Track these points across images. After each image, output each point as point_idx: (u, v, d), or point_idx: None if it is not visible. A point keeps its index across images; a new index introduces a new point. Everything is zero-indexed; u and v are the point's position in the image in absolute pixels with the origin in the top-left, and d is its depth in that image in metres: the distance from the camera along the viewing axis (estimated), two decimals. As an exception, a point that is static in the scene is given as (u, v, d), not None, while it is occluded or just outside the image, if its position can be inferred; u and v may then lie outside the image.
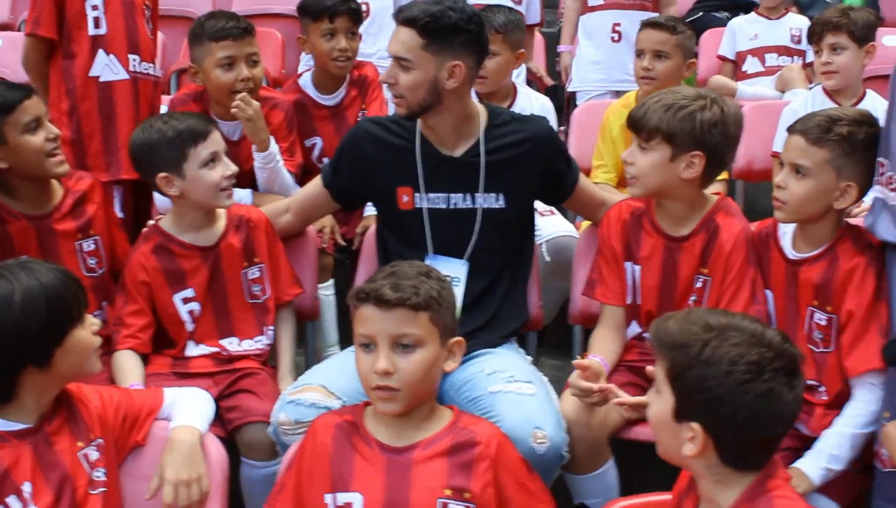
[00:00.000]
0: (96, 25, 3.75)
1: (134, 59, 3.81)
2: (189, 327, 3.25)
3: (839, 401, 2.87)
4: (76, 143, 3.74)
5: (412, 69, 3.01)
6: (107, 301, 3.34)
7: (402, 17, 3.03)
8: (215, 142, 3.21)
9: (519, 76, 5.28)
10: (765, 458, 2.00)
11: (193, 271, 3.25)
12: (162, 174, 3.19)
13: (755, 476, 1.98)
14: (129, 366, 3.13)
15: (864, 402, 2.82)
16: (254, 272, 3.31)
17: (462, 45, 3.02)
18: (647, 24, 4.44)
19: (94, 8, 3.74)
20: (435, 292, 2.39)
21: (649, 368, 2.64)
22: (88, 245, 3.31)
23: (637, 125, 3.06)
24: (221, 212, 3.31)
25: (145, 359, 3.21)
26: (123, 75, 3.79)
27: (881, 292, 2.84)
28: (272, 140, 3.80)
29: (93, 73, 3.77)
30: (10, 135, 3.13)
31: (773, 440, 1.99)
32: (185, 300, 3.25)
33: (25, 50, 3.85)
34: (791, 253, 2.99)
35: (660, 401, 2.03)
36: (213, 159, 3.19)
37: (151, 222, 3.38)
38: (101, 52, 3.76)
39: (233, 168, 3.22)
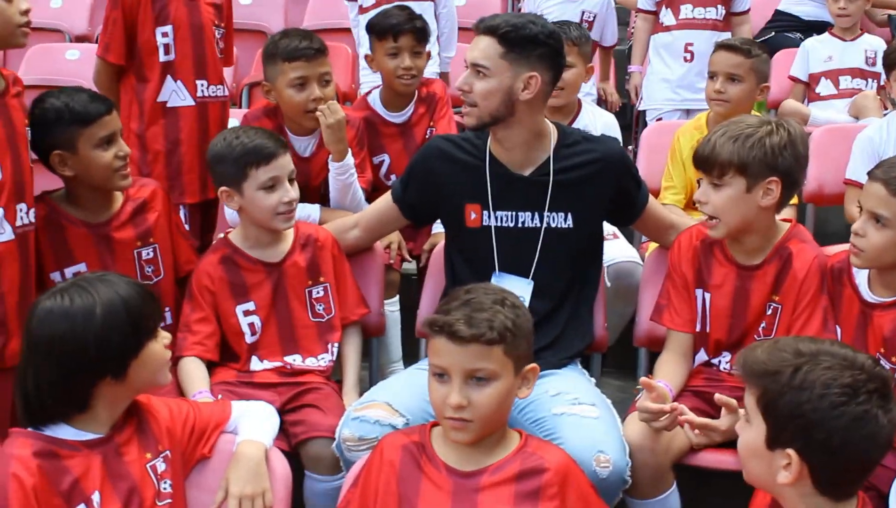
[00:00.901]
0: (166, 52, 3.82)
1: (202, 85, 3.89)
2: (249, 339, 3.28)
3: None
4: (142, 164, 3.80)
5: (488, 77, 3.01)
6: (168, 307, 3.36)
7: (484, 27, 3.05)
8: (279, 167, 3.23)
9: (587, 95, 5.29)
10: (858, 485, 1.99)
11: (257, 286, 3.29)
12: (223, 188, 3.27)
13: None
14: (195, 373, 3.17)
15: None
16: (318, 291, 3.34)
17: (540, 59, 3.03)
18: (721, 46, 4.40)
19: (165, 35, 3.81)
20: (510, 322, 2.36)
21: (718, 396, 2.64)
22: (147, 253, 3.35)
23: (707, 163, 3.02)
24: (289, 230, 3.34)
25: (210, 366, 3.25)
26: (190, 102, 3.86)
27: None
28: (349, 153, 3.83)
29: (161, 98, 3.84)
30: (83, 147, 3.17)
31: (868, 464, 1.97)
32: (247, 313, 3.29)
33: (96, 70, 3.94)
34: (867, 294, 2.96)
35: (750, 430, 2.02)
36: (272, 184, 3.21)
37: (221, 236, 3.42)
38: (169, 78, 3.83)
39: (292, 195, 3.24)
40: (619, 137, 4.33)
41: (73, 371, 2.32)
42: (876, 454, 1.96)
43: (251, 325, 3.28)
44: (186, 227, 3.72)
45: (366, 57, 4.49)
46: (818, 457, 1.92)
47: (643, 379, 2.88)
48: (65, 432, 2.36)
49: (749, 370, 2.02)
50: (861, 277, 2.98)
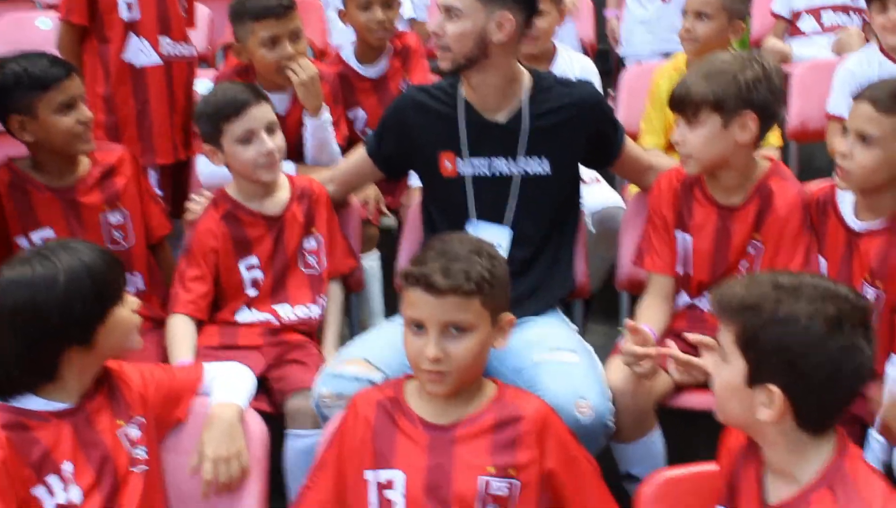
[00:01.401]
0: (128, 9, 3.77)
1: (165, 41, 3.84)
2: (251, 293, 3.27)
3: None
4: (111, 128, 3.76)
5: (460, 18, 2.97)
6: (140, 273, 3.35)
7: None
8: (252, 119, 3.20)
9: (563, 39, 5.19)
10: (838, 418, 1.95)
11: (259, 239, 3.28)
12: (206, 146, 3.26)
13: (830, 449, 1.93)
14: (182, 334, 3.15)
15: None
16: (311, 243, 3.32)
17: None
18: None
19: None
20: (487, 273, 2.32)
21: (692, 336, 2.60)
22: (115, 218, 3.32)
23: (682, 103, 2.98)
24: (284, 182, 3.34)
25: (199, 325, 3.24)
26: (156, 59, 3.83)
27: None
28: (325, 108, 3.78)
29: (126, 57, 3.80)
30: (42, 111, 3.15)
31: (851, 396, 1.94)
32: (250, 268, 3.28)
33: (59, 34, 3.91)
34: (852, 221, 2.93)
35: (727, 368, 1.97)
36: (248, 137, 3.19)
37: (209, 194, 3.40)
38: (132, 35, 3.79)
39: (269, 145, 3.20)
40: (598, 81, 4.27)
41: (37, 340, 2.28)
42: (859, 385, 1.93)
43: (254, 280, 3.28)
44: (158, 191, 3.68)
45: (339, 12, 4.43)
46: (803, 391, 1.88)
47: (628, 322, 2.84)
48: (33, 402, 2.32)
49: (726, 305, 1.97)
50: (846, 205, 2.96)
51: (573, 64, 4.39)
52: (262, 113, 3.23)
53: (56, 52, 3.74)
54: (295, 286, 3.30)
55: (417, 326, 2.34)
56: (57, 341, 2.30)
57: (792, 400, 1.89)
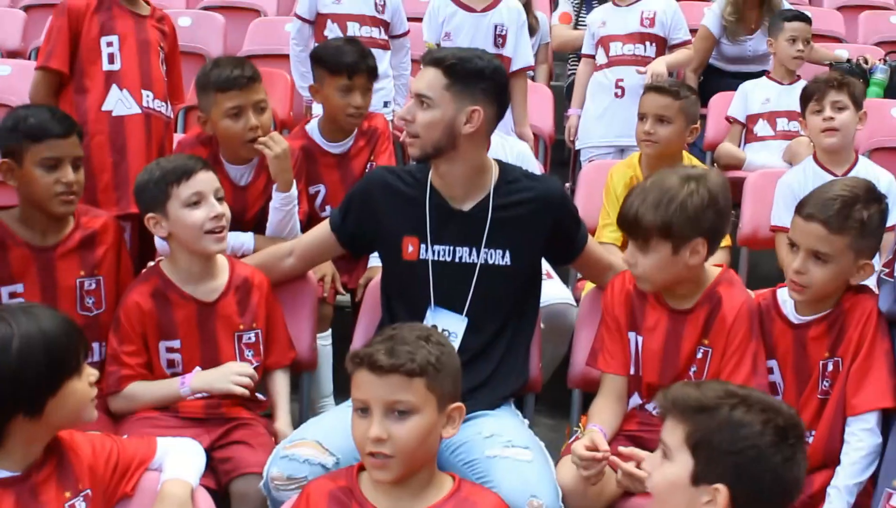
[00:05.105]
0: (111, 61, 3.80)
1: (147, 96, 3.86)
2: (168, 373, 3.21)
3: (822, 445, 2.99)
4: (87, 177, 3.72)
5: (431, 107, 3.01)
6: (100, 342, 3.28)
7: (431, 58, 3.06)
8: (201, 182, 3.17)
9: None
10: None
11: (186, 323, 3.21)
12: (150, 214, 3.20)
13: None
14: (147, 384, 3.15)
15: (859, 450, 2.91)
16: (249, 337, 3.27)
17: (484, 93, 3.03)
18: (650, 88, 4.46)
19: (109, 45, 3.80)
20: (433, 358, 2.33)
21: (624, 450, 2.62)
22: (90, 284, 3.29)
23: (631, 229, 3.04)
24: (222, 267, 3.28)
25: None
26: (136, 110, 3.84)
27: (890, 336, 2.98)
28: (294, 183, 3.78)
29: (105, 107, 3.81)
30: (27, 162, 3.18)
31: (787, 504, 2.03)
32: (169, 349, 3.21)
33: (34, 83, 3.88)
34: (795, 318, 3.05)
35: (671, 466, 2.04)
36: (197, 200, 3.15)
37: (152, 264, 3.35)
38: (114, 87, 3.81)
39: (219, 209, 3.17)
40: (534, 167, 4.27)
41: None
42: (795, 495, 2.04)
43: (170, 361, 3.21)
44: (127, 239, 3.64)
45: (310, 88, 4.43)
46: (746, 493, 1.97)
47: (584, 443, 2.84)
48: None
49: (681, 405, 2.05)
50: (788, 306, 3.08)
51: (507, 150, 4.32)
52: (210, 178, 3.21)
53: (22, 102, 3.76)
54: None
55: (363, 409, 2.33)
56: (3, 409, 2.25)
57: (735, 502, 1.97)
